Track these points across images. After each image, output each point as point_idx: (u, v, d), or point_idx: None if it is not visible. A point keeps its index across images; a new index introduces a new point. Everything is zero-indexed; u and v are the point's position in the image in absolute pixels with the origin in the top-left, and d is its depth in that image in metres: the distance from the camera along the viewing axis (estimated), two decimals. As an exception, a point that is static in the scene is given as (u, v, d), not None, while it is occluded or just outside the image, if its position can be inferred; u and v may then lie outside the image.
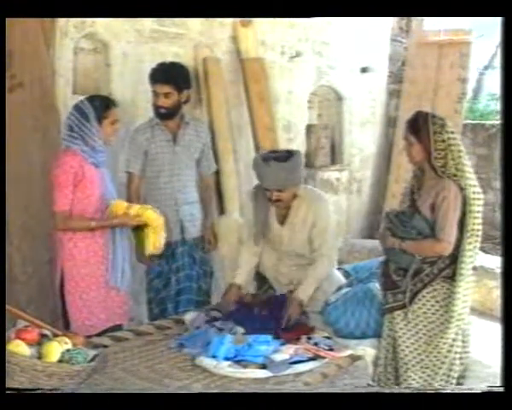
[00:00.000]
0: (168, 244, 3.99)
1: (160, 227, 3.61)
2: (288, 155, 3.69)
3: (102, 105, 3.54)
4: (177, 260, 4.09)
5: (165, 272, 4.08)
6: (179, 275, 4.08)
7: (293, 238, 3.77)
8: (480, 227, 3.25)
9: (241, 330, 3.40)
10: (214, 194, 4.60)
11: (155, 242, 3.61)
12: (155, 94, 4.03)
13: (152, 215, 3.59)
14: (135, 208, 3.58)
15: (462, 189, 3.21)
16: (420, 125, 3.27)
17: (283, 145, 5.65)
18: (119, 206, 3.57)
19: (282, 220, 3.78)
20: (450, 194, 3.19)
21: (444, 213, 3.19)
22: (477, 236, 3.24)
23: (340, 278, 3.80)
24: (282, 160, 3.62)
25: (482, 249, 3.81)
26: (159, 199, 4.05)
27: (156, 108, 4.04)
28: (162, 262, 4.05)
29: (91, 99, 3.58)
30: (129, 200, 3.99)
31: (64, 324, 3.53)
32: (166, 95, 4.00)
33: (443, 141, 3.23)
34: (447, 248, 3.20)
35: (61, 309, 3.57)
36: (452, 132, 3.26)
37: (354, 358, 3.38)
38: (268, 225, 3.79)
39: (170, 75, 4.02)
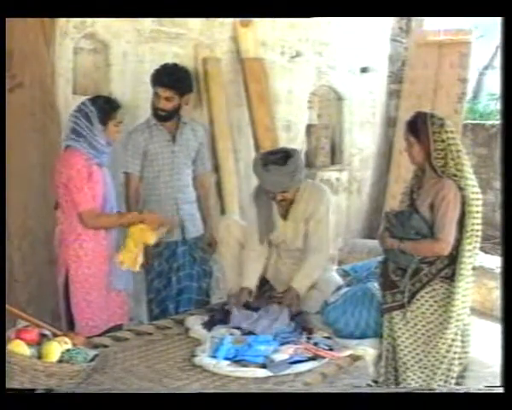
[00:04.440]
0: (169, 244, 3.99)
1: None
2: (287, 156, 3.68)
3: (107, 107, 3.53)
4: (178, 260, 4.08)
5: (166, 272, 4.08)
6: (180, 274, 4.07)
7: (295, 231, 3.80)
8: (480, 227, 3.24)
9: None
10: (210, 194, 4.60)
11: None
12: (156, 96, 4.00)
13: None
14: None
15: (461, 189, 3.20)
16: (419, 126, 3.27)
17: (283, 145, 5.63)
18: None
19: (285, 215, 3.82)
20: (449, 193, 3.19)
21: (443, 213, 3.19)
22: (477, 236, 3.24)
23: (337, 278, 3.80)
24: (281, 163, 3.62)
25: (482, 249, 3.81)
26: (159, 199, 4.05)
27: (156, 109, 4.03)
28: (162, 262, 4.06)
29: (95, 100, 3.56)
30: (128, 201, 4.00)
31: (67, 324, 3.53)
32: (168, 98, 3.98)
33: (442, 141, 3.22)
34: (446, 248, 3.19)
35: (64, 310, 3.57)
36: (452, 132, 3.26)
37: (354, 358, 3.38)
38: (272, 223, 3.81)
39: (173, 79, 3.99)
